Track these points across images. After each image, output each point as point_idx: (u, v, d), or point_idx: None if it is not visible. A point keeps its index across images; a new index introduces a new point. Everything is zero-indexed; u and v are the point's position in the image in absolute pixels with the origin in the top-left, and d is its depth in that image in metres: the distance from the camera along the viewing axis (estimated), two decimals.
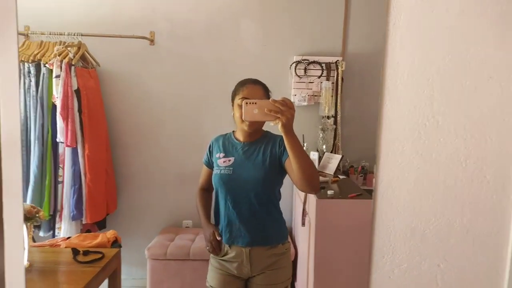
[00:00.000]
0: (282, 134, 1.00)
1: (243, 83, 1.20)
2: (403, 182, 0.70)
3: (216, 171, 1.21)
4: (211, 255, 1.25)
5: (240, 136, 1.23)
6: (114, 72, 2.13)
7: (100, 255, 1.39)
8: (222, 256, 1.22)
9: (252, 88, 1.17)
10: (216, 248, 1.18)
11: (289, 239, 1.28)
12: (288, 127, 0.98)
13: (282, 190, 1.22)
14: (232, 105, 1.21)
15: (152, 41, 2.15)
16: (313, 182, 1.02)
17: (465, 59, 0.65)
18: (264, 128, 1.24)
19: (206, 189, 1.32)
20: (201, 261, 1.92)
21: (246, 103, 1.00)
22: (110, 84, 2.11)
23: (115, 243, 1.58)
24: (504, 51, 0.64)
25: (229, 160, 1.19)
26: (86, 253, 1.38)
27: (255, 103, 0.97)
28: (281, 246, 1.21)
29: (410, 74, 0.66)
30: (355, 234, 1.48)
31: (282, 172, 1.16)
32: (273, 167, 1.15)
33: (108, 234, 1.57)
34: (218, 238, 1.17)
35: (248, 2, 2.14)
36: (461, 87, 0.66)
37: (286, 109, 0.97)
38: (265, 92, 1.21)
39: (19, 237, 0.61)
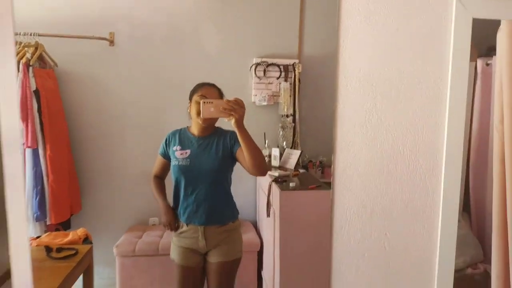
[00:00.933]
0: (235, 129, 1.20)
1: (201, 85, 1.43)
2: (355, 168, 0.86)
3: (174, 162, 1.40)
4: (173, 233, 1.37)
5: (195, 130, 1.42)
6: (73, 73, 2.10)
7: (74, 251, 1.43)
8: (181, 234, 1.34)
9: (209, 89, 1.40)
10: (172, 226, 1.30)
11: (239, 219, 1.44)
12: (240, 122, 1.21)
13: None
14: (190, 103, 1.40)
15: (111, 42, 2.12)
16: (262, 166, 1.23)
17: (400, 69, 0.82)
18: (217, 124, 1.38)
19: (160, 177, 1.51)
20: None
21: (204, 102, 1.16)
22: (69, 84, 2.08)
23: (86, 240, 1.61)
24: (429, 63, 0.83)
25: (186, 153, 1.39)
26: (59, 250, 1.41)
27: (212, 102, 1.14)
28: (231, 224, 1.45)
29: (358, 80, 0.82)
30: (315, 222, 1.64)
31: (233, 161, 1.39)
32: (225, 158, 1.37)
33: (79, 231, 1.60)
34: (173, 220, 1.28)
35: (208, 7, 2.21)
36: (398, 91, 0.83)
37: (238, 107, 1.19)
38: (220, 93, 1.43)
39: (23, 228, 0.67)
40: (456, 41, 0.85)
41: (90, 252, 1.50)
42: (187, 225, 1.37)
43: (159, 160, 1.45)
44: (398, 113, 0.86)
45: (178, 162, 1.36)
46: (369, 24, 0.81)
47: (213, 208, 1.37)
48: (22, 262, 0.68)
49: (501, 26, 0.99)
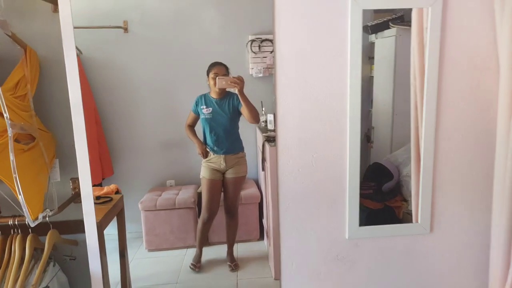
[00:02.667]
0: (238, 95, 1.96)
1: (214, 64, 2.12)
2: (292, 114, 1.36)
3: (202, 116, 2.16)
4: (203, 160, 2.20)
5: (214, 95, 2.16)
6: (95, 58, 2.42)
7: (109, 198, 2.01)
8: (209, 160, 2.18)
9: (220, 68, 2.12)
10: (204, 155, 2.14)
11: (244, 151, 2.25)
12: (241, 91, 1.99)
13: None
14: (208, 77, 2.11)
15: (126, 29, 2.39)
16: (256, 117, 2.03)
17: (316, 45, 1.30)
18: None
19: (192, 126, 2.23)
20: (185, 209, 2.47)
21: (218, 78, 1.99)
22: (93, 68, 2.38)
23: (117, 193, 2.20)
24: (335, 41, 1.31)
25: (209, 109, 2.16)
26: (98, 198, 1.93)
27: (223, 77, 1.98)
28: (241, 153, 2.24)
29: (291, 55, 1.32)
30: None
31: (239, 114, 2.10)
32: (234, 112, 2.12)
33: (111, 186, 2.18)
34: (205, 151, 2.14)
35: None
36: (318, 60, 1.32)
37: (240, 81, 1.96)
38: (227, 70, 2.13)
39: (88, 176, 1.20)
40: (352, 26, 1.30)
41: (121, 200, 2.07)
42: (213, 154, 2.17)
43: (191, 115, 2.21)
44: (317, 76, 1.36)
45: (205, 116, 2.15)
46: (294, 16, 1.30)
47: (229, 143, 2.18)
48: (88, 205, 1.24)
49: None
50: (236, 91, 1.99)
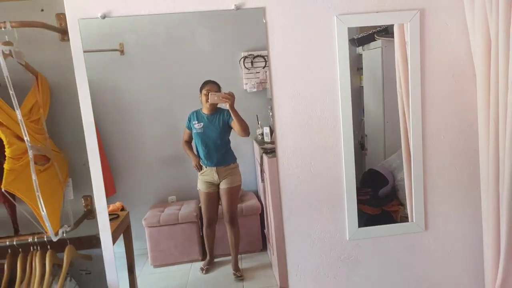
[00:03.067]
0: (229, 109, 2.05)
1: (207, 82, 2.21)
2: (289, 128, 1.47)
3: (194, 131, 2.27)
4: (199, 174, 2.32)
5: (205, 111, 2.27)
6: (94, 80, 2.47)
7: (116, 215, 2.09)
8: (202, 173, 2.29)
9: (212, 85, 2.21)
10: (198, 168, 2.24)
11: (237, 162, 2.34)
12: (232, 105, 2.06)
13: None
14: (200, 94, 2.23)
15: (122, 51, 2.38)
16: (246, 131, 2.12)
17: (306, 60, 1.44)
18: None
19: (188, 141, 2.33)
20: (188, 223, 2.52)
21: (210, 94, 2.10)
22: (91, 91, 2.48)
23: (122, 210, 2.28)
24: (323, 56, 1.45)
25: (201, 125, 2.28)
26: None
27: (215, 93, 2.08)
28: (232, 164, 2.33)
29: (283, 70, 1.44)
30: None
31: (229, 128, 2.22)
32: (224, 126, 2.24)
33: (117, 204, 2.26)
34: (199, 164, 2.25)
35: (200, 14, 2.62)
36: (308, 73, 1.44)
37: (230, 97, 2.06)
38: (219, 87, 2.23)
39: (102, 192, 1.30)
40: (339, 42, 1.46)
41: (127, 216, 2.15)
42: (205, 167, 2.28)
43: (186, 131, 2.33)
44: (309, 89, 1.49)
45: (196, 131, 2.27)
46: (285, 35, 1.44)
47: (220, 156, 2.30)
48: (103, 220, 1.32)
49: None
50: (227, 106, 2.13)
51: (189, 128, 2.35)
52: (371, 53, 2.06)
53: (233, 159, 2.39)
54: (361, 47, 2.00)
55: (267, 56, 2.47)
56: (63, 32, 1.45)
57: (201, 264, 2.58)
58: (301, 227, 1.48)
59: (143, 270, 2.50)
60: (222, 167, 2.34)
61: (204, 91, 2.25)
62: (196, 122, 2.33)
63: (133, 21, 2.34)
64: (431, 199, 1.53)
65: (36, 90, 1.40)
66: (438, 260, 1.59)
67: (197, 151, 2.35)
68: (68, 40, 1.46)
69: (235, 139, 2.43)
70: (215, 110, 2.30)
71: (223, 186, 2.40)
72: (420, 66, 1.44)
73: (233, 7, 1.57)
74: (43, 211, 1.21)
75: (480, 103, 1.47)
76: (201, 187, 2.40)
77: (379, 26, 1.94)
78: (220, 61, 2.49)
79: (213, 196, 2.41)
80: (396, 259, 1.56)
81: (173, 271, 2.58)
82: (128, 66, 2.42)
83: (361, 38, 1.93)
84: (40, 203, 1.21)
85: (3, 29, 1.28)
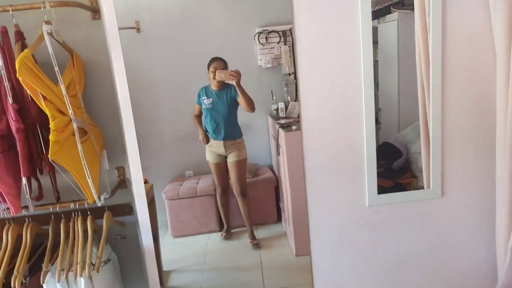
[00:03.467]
0: (236, 86, 2.21)
1: (213, 59, 2.34)
2: (313, 100, 1.54)
3: (203, 106, 2.42)
4: (206, 145, 2.46)
5: (213, 87, 2.40)
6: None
7: None
8: (210, 145, 2.45)
9: (218, 62, 2.34)
10: (205, 141, 2.41)
11: (243, 137, 2.48)
12: (238, 82, 2.21)
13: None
14: (208, 71, 2.34)
15: (138, 29, 2.48)
16: (251, 106, 2.29)
17: (331, 36, 1.49)
18: None
19: (198, 116, 2.48)
20: (206, 196, 2.67)
21: (218, 71, 2.23)
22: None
23: (146, 183, 2.39)
24: (347, 30, 1.50)
25: (209, 100, 2.42)
26: None
27: (222, 71, 2.22)
28: (239, 139, 2.49)
29: (309, 47, 1.50)
30: None
31: (236, 104, 2.35)
32: (231, 101, 2.37)
33: None
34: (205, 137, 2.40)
35: None
36: (331, 50, 1.49)
37: (237, 74, 2.20)
38: (225, 64, 2.36)
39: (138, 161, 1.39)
40: (362, 14, 1.50)
41: (151, 189, 2.26)
42: (213, 140, 2.43)
43: (196, 106, 2.46)
44: (333, 62, 1.54)
45: (206, 106, 2.41)
46: (310, 9, 1.48)
47: (227, 130, 2.43)
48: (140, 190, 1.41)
49: None
50: (233, 83, 2.23)
51: (199, 103, 2.46)
52: (387, 26, 2.08)
53: (240, 134, 2.51)
54: (376, 20, 2.02)
55: (282, 31, 2.61)
56: (95, 11, 1.51)
57: (219, 234, 2.72)
58: (323, 194, 1.57)
59: (164, 240, 2.66)
60: (229, 141, 2.46)
61: (211, 68, 2.34)
62: (205, 97, 2.43)
63: (149, 0, 2.53)
64: (448, 167, 1.61)
65: (71, 67, 1.48)
66: (452, 225, 1.68)
67: (205, 125, 2.46)
68: (99, 18, 1.53)
69: (249, 115, 2.52)
70: (223, 86, 2.39)
71: (230, 159, 2.53)
72: (441, 38, 1.48)
73: None
74: (89, 178, 1.31)
75: (499, 75, 1.52)
76: (209, 158, 2.54)
77: None
78: (234, 37, 2.56)
79: (222, 166, 2.54)
80: (413, 224, 1.66)
81: (192, 241, 2.73)
82: (144, 43, 2.49)
83: (377, 11, 1.93)
84: (86, 171, 1.31)
85: (42, 9, 1.34)
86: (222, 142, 2.45)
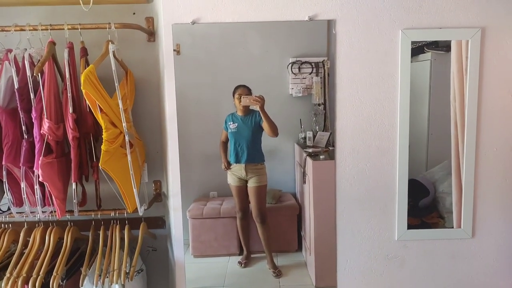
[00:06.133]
0: (259, 111, 2.28)
1: (238, 87, 2.42)
2: (348, 131, 1.62)
3: (229, 130, 2.49)
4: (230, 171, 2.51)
5: (239, 113, 2.47)
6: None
7: None
8: (232, 168, 2.49)
9: (243, 89, 2.41)
10: (226, 167, 2.46)
11: (264, 164, 2.51)
12: (262, 107, 2.28)
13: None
14: (233, 98, 2.44)
15: (178, 52, 2.49)
16: (275, 131, 2.34)
17: (369, 70, 1.58)
18: None
19: (224, 142, 2.53)
20: (229, 218, 2.64)
21: (243, 96, 2.31)
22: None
23: None
24: (386, 66, 1.59)
25: (235, 125, 2.48)
26: None
27: (247, 96, 2.30)
28: (260, 164, 2.52)
29: (347, 79, 1.59)
30: None
31: (261, 129, 2.41)
32: (256, 126, 2.43)
33: None
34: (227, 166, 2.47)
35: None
36: (370, 83, 1.58)
37: (260, 100, 2.26)
38: (250, 90, 2.42)
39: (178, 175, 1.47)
40: (402, 54, 1.60)
41: None
42: (235, 163, 2.48)
43: (223, 132, 2.52)
44: (370, 96, 1.63)
45: (231, 130, 2.48)
46: (352, 47, 1.59)
47: (249, 154, 2.48)
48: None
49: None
50: (258, 108, 2.32)
51: (226, 129, 2.52)
52: (419, 65, 2.12)
53: (262, 159, 2.53)
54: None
55: (315, 63, 2.68)
56: (151, 34, 1.65)
57: (238, 258, 2.73)
58: (352, 224, 1.61)
59: (185, 258, 2.72)
60: (250, 164, 2.49)
61: (236, 95, 2.44)
62: (231, 123, 2.49)
63: (190, 25, 2.44)
64: (480, 208, 1.63)
65: (125, 83, 1.61)
66: (482, 267, 1.68)
67: (230, 148, 2.52)
68: (154, 41, 1.67)
69: (276, 141, 2.58)
70: (248, 112, 2.46)
71: (251, 184, 2.55)
72: (478, 82, 1.55)
73: (307, 18, 1.73)
74: (135, 188, 1.40)
75: None
76: (230, 181, 2.59)
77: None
78: (268, 65, 2.60)
79: (242, 190, 2.57)
80: (441, 262, 1.67)
81: (212, 263, 2.72)
82: (182, 65, 2.38)
83: (411, 50, 2.01)
84: (133, 181, 1.40)
85: (107, 29, 1.49)
86: (243, 165, 2.51)
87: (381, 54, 1.57)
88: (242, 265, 2.65)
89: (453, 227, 1.73)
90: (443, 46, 1.77)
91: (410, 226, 1.75)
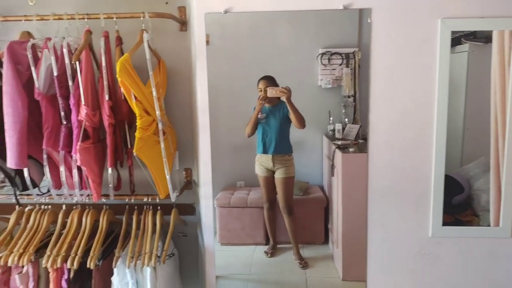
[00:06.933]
0: (286, 102, 2.25)
1: (261, 79, 2.39)
2: (382, 123, 1.57)
3: (258, 121, 2.47)
4: (256, 159, 2.53)
5: (267, 103, 2.42)
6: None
7: None
8: (260, 159, 2.51)
9: (265, 81, 2.38)
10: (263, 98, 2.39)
11: (292, 155, 2.51)
12: (288, 99, 2.25)
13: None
14: (258, 88, 2.37)
15: (208, 42, 2.57)
16: (301, 123, 2.32)
17: (406, 61, 1.52)
18: None
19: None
20: (256, 208, 2.67)
21: (269, 88, 2.26)
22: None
23: None
24: (424, 57, 1.52)
25: (263, 115, 2.46)
26: None
27: (273, 88, 2.28)
28: (288, 156, 2.51)
29: (382, 69, 1.54)
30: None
31: (289, 120, 2.39)
32: (284, 117, 2.41)
33: None
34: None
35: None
36: (405, 75, 1.53)
37: (287, 91, 2.23)
38: (273, 82, 2.39)
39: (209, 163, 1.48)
40: (441, 44, 1.52)
41: None
42: (264, 154, 2.49)
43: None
44: (406, 88, 1.57)
45: (259, 121, 2.47)
46: (388, 37, 1.53)
47: (277, 144, 2.47)
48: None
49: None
50: (284, 99, 2.29)
51: None
52: (456, 57, 2.03)
53: (289, 150, 2.52)
54: None
55: (345, 54, 2.60)
56: (183, 23, 1.66)
57: (265, 248, 2.75)
58: (384, 219, 1.58)
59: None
60: (277, 155, 2.49)
61: (258, 88, 2.40)
62: (260, 113, 2.46)
63: (220, 15, 2.56)
64: None
65: (157, 72, 1.63)
66: None
67: (258, 138, 2.50)
68: (185, 30, 1.67)
69: (304, 133, 2.55)
70: (277, 102, 2.43)
71: (278, 175, 2.54)
72: None
73: (341, 7, 1.69)
74: (167, 174, 1.42)
75: None
76: (258, 171, 2.59)
77: (468, 30, 1.93)
78: (297, 56, 2.59)
79: (270, 181, 2.57)
80: (477, 261, 1.61)
81: (238, 251, 2.75)
82: (211, 55, 2.33)
83: None
84: (166, 168, 1.43)
85: (141, 18, 1.50)
86: (270, 156, 2.51)
87: (419, 44, 1.51)
88: (269, 254, 2.66)
89: (489, 225, 1.66)
90: (482, 37, 1.69)
91: (443, 223, 1.69)
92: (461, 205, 1.88)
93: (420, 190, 1.56)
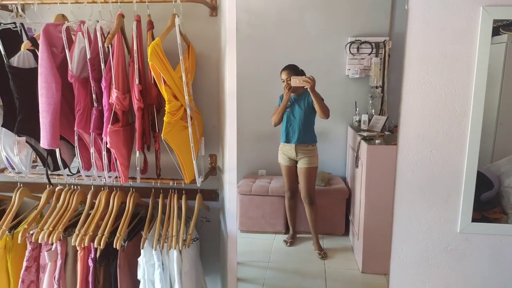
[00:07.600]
0: (310, 92, 2.25)
1: (284, 68, 2.42)
2: (414, 115, 1.52)
3: None
4: (279, 148, 2.54)
5: (292, 92, 2.44)
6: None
7: None
8: (283, 148, 2.52)
9: (288, 71, 2.40)
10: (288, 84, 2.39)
11: (316, 145, 2.52)
12: (312, 88, 2.26)
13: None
14: (281, 78, 2.38)
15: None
16: (325, 112, 2.35)
17: (444, 51, 1.46)
18: None
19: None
20: (277, 196, 2.73)
21: (293, 77, 2.27)
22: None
23: None
24: (463, 47, 1.45)
25: (289, 103, 2.47)
26: None
27: (297, 77, 2.28)
28: (311, 145, 2.52)
29: (417, 58, 1.48)
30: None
31: (313, 110, 2.40)
32: (308, 107, 2.42)
33: None
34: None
35: None
36: (442, 65, 1.47)
37: (311, 81, 2.24)
38: (297, 71, 2.39)
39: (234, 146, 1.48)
40: (481, 33, 1.45)
41: None
42: (286, 143, 2.49)
43: (276, 107, 2.53)
44: (442, 78, 1.51)
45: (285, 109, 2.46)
46: (426, 24, 1.47)
47: (301, 134, 2.48)
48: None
49: None
50: (308, 88, 2.27)
51: (279, 105, 2.50)
52: (493, 48, 1.95)
53: (313, 140, 2.53)
54: None
55: (375, 43, 2.57)
56: (213, 8, 1.64)
57: (284, 237, 2.77)
58: (411, 212, 1.54)
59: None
60: (301, 145, 2.49)
61: (281, 79, 2.41)
62: None
63: (248, 1, 2.59)
64: None
65: (186, 57, 1.62)
66: None
67: (282, 128, 2.51)
68: (216, 15, 1.66)
69: (329, 123, 2.52)
70: (302, 92, 2.42)
71: (300, 165, 2.54)
72: None
73: None
74: (194, 159, 1.43)
75: None
76: (281, 160, 2.60)
77: (507, 20, 1.85)
78: (325, 44, 2.57)
79: (292, 170, 2.58)
80: (507, 260, 1.56)
81: (258, 238, 2.81)
82: (238, 42, 2.46)
83: None
84: (193, 153, 1.43)
85: (173, 2, 1.50)
86: (294, 145, 2.50)
87: (458, 33, 1.44)
88: (288, 243, 2.68)
89: None
90: None
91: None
92: (489, 202, 1.82)
93: (451, 185, 1.52)
